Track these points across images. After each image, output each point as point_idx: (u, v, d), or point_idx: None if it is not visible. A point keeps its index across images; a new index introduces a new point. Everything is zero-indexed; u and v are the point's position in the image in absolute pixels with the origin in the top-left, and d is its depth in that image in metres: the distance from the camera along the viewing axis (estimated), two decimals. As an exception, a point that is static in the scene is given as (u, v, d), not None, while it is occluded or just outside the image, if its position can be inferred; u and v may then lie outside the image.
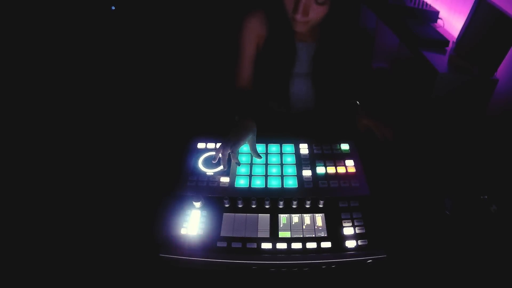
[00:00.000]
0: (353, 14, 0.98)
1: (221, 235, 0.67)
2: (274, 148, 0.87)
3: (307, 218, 0.70)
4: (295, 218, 0.70)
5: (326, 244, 0.66)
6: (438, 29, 2.00)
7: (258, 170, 0.81)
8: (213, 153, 0.85)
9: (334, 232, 0.68)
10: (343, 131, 0.99)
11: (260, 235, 0.67)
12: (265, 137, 0.86)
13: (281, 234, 0.68)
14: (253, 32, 1.00)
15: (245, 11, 1.00)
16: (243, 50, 1.03)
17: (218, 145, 0.86)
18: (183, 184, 0.78)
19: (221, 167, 0.81)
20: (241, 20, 1.00)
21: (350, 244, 0.66)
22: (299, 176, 0.80)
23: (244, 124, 0.85)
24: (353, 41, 1.02)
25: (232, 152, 0.79)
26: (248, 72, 1.05)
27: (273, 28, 0.97)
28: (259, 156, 0.83)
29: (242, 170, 0.82)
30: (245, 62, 1.04)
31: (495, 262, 0.74)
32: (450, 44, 1.84)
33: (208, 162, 0.83)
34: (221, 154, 0.80)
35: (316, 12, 0.83)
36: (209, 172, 0.81)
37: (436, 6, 2.16)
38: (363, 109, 1.02)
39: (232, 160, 0.80)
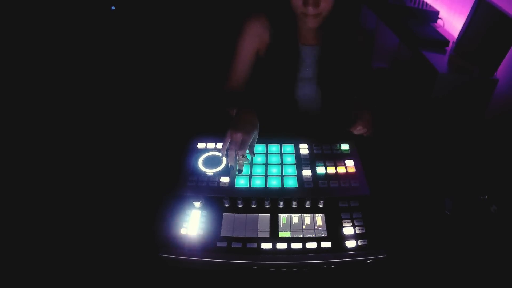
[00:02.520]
0: (355, 14, 0.97)
1: (221, 235, 0.67)
2: (274, 148, 0.87)
3: (307, 218, 0.70)
4: (295, 218, 0.70)
5: (326, 244, 0.66)
6: (438, 29, 2.00)
7: (258, 170, 0.81)
8: (213, 153, 0.85)
9: (334, 232, 0.68)
10: (343, 131, 0.99)
11: (260, 235, 0.67)
12: (265, 137, 0.86)
13: (281, 234, 0.68)
14: (254, 37, 0.98)
15: (245, 13, 0.99)
16: (240, 53, 1.01)
17: (221, 145, 0.86)
18: (183, 184, 0.77)
19: (222, 166, 0.81)
20: (241, 22, 0.99)
21: (350, 244, 0.66)
22: (299, 176, 0.80)
23: (248, 118, 0.82)
24: (356, 41, 1.01)
25: (242, 155, 0.77)
26: (241, 76, 1.03)
27: (276, 33, 0.96)
28: (254, 154, 0.81)
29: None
30: (240, 66, 1.02)
31: (495, 262, 0.74)
32: (450, 44, 1.84)
33: (208, 162, 0.83)
34: (229, 154, 0.77)
35: (326, 1, 0.83)
36: (209, 172, 0.81)
37: (436, 6, 2.16)
38: (360, 103, 1.02)
39: (239, 161, 0.78)
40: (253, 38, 0.99)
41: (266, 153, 0.86)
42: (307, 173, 0.81)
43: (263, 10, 0.98)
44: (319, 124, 1.13)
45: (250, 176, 0.80)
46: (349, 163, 0.83)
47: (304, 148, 0.87)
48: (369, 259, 0.66)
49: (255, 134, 0.82)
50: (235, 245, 0.65)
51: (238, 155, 0.77)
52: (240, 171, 0.78)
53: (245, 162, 0.80)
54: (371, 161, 0.85)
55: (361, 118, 0.92)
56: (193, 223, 0.69)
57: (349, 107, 1.00)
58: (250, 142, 0.79)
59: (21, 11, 2.18)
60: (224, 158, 0.83)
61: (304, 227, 0.69)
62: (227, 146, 0.78)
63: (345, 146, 0.88)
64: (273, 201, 0.73)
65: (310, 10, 0.83)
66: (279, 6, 0.91)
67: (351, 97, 1.09)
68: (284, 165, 0.83)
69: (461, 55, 1.70)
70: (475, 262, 0.74)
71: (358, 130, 0.92)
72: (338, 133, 0.93)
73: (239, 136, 0.77)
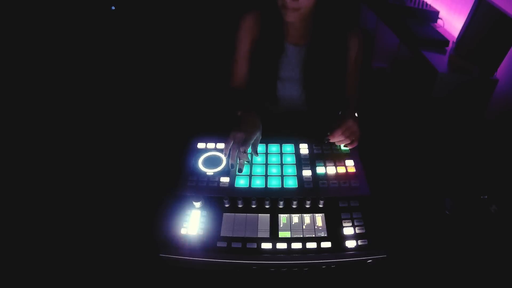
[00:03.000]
0: (346, 17, 0.97)
1: (221, 235, 0.67)
2: (274, 148, 0.87)
3: (307, 218, 0.70)
4: (295, 218, 0.70)
5: (326, 244, 0.66)
6: (438, 29, 1.99)
7: (258, 170, 0.81)
8: (213, 153, 0.85)
9: (334, 232, 0.68)
10: (321, 141, 0.98)
11: (260, 235, 0.67)
12: (265, 137, 0.86)
13: (281, 234, 0.68)
14: (249, 31, 1.00)
15: (242, 11, 1.01)
16: (238, 50, 1.03)
17: (221, 145, 0.86)
18: (183, 184, 0.77)
19: (222, 166, 0.81)
20: (238, 19, 1.01)
21: (350, 244, 0.66)
22: (299, 176, 0.80)
23: (250, 120, 0.84)
24: (344, 44, 1.00)
25: (244, 151, 0.78)
26: (243, 71, 1.05)
27: (264, 29, 0.98)
28: (257, 153, 0.83)
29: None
30: (240, 62, 1.04)
31: (495, 262, 0.74)
32: (450, 44, 1.84)
33: (208, 162, 0.83)
34: (231, 154, 0.78)
35: None
36: (209, 172, 0.81)
37: (436, 6, 2.16)
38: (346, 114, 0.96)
39: (240, 159, 0.79)
40: (247, 33, 1.01)
41: (266, 153, 0.86)
42: (307, 173, 0.81)
43: (258, 7, 0.99)
44: (318, 124, 1.13)
45: (250, 176, 0.80)
46: (349, 163, 0.83)
47: (304, 148, 0.87)
48: (369, 259, 0.66)
49: (258, 135, 0.83)
50: (235, 245, 0.65)
51: (240, 153, 0.78)
52: (240, 170, 0.79)
53: (245, 162, 0.81)
54: (371, 161, 0.85)
55: (340, 126, 0.85)
56: (193, 223, 0.69)
57: (335, 116, 0.97)
58: (252, 141, 0.80)
59: (21, 11, 2.18)
60: (224, 158, 0.83)
61: (304, 227, 0.69)
62: (229, 146, 0.79)
63: (345, 146, 0.88)
64: (273, 201, 0.73)
65: (288, 2, 0.83)
66: (269, 2, 0.92)
67: (337, 100, 1.08)
68: (284, 165, 0.83)
69: (461, 55, 1.69)
70: (475, 262, 0.74)
71: (339, 140, 0.85)
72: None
73: (241, 135, 0.79)
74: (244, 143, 0.78)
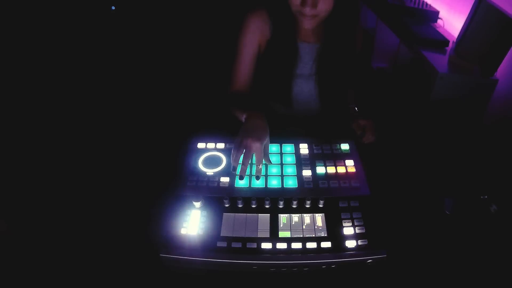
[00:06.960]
0: (356, 13, 0.97)
1: (221, 235, 0.67)
2: (274, 148, 0.87)
3: (307, 218, 0.70)
4: (295, 218, 0.70)
5: (326, 244, 0.66)
6: (438, 29, 1.99)
7: (258, 170, 0.81)
8: (213, 153, 0.85)
9: (334, 232, 0.68)
10: (343, 131, 0.99)
11: (260, 235, 0.67)
12: (274, 137, 0.85)
13: (281, 234, 0.68)
14: (256, 31, 0.97)
15: (247, 10, 0.98)
16: (243, 52, 1.00)
17: (221, 145, 0.85)
18: (183, 184, 0.77)
19: (222, 166, 0.81)
20: (243, 18, 0.98)
21: (350, 244, 0.66)
22: (299, 176, 0.80)
23: (259, 124, 0.82)
24: (355, 40, 1.01)
25: (260, 163, 0.77)
26: (247, 75, 1.02)
27: (275, 29, 0.96)
28: (270, 161, 0.82)
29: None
30: (244, 65, 1.01)
31: (495, 262, 0.74)
32: (450, 44, 1.84)
33: (208, 162, 0.83)
34: (243, 163, 0.75)
35: (325, 3, 0.82)
36: (209, 172, 0.81)
37: (436, 6, 2.16)
38: (360, 114, 1.03)
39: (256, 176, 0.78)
40: (255, 33, 0.98)
41: (266, 153, 0.86)
42: (307, 173, 0.81)
43: (264, 5, 0.97)
44: (319, 124, 1.13)
45: (250, 176, 0.80)
46: (349, 163, 0.83)
47: (304, 148, 0.87)
48: (369, 259, 0.66)
49: (268, 141, 0.81)
50: (235, 245, 0.65)
51: (256, 166, 0.77)
52: (258, 177, 0.78)
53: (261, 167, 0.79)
54: (371, 161, 0.85)
55: (370, 129, 0.97)
56: (193, 223, 0.69)
57: (350, 116, 1.02)
58: (267, 151, 0.80)
59: (21, 11, 2.18)
60: (224, 158, 0.83)
61: (304, 227, 0.69)
62: (240, 154, 0.76)
63: (345, 146, 0.88)
64: (273, 201, 0.73)
65: (307, 10, 0.82)
66: (279, 2, 0.90)
67: (348, 98, 1.09)
68: (284, 165, 0.83)
69: (461, 55, 1.70)
70: (475, 262, 0.74)
71: (369, 139, 0.97)
72: (338, 133, 0.93)
73: (257, 146, 0.76)
74: (258, 156, 0.76)
